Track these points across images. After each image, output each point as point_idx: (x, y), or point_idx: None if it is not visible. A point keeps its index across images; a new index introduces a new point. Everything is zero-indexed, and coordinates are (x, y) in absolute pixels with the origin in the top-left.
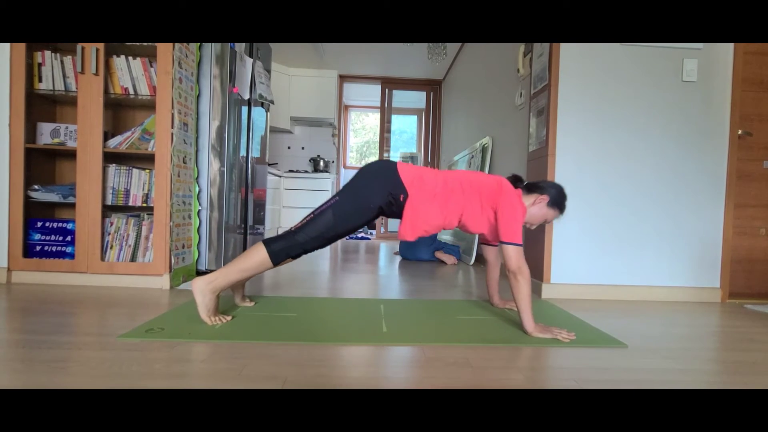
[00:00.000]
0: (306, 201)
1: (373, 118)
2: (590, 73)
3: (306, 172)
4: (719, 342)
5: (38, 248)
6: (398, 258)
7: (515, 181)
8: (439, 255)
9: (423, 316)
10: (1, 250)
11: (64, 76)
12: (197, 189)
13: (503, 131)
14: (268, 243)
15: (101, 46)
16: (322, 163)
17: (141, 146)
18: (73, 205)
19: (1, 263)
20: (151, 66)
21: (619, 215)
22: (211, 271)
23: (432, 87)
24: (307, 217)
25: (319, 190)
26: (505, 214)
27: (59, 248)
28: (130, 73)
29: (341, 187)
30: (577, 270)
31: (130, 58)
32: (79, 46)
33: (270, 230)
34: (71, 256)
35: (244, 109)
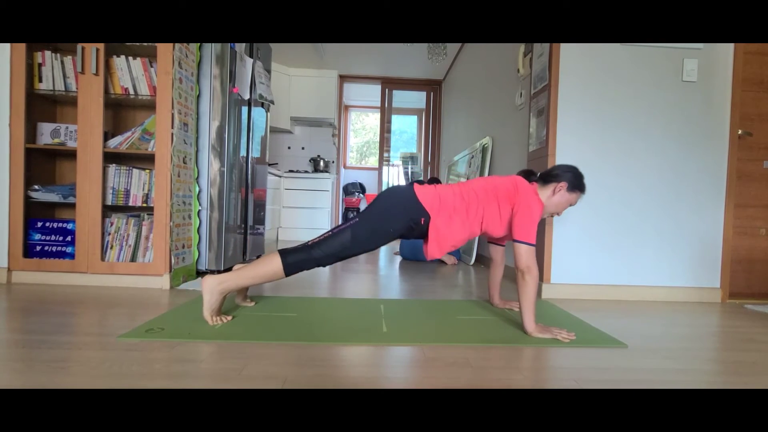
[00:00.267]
0: (306, 201)
1: (373, 118)
2: (590, 73)
3: (306, 172)
4: (719, 342)
5: (38, 248)
6: (398, 258)
7: (528, 175)
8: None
9: (423, 316)
10: (1, 250)
11: (65, 76)
12: (197, 189)
13: (503, 131)
14: (284, 254)
15: (101, 46)
16: (322, 163)
17: (141, 146)
18: (73, 205)
19: (1, 263)
20: (152, 66)
21: (619, 215)
22: (212, 271)
23: (432, 87)
24: (325, 233)
25: (320, 190)
26: (520, 213)
27: (59, 248)
28: (130, 73)
29: (362, 212)
30: (577, 270)
31: (130, 58)
32: (79, 46)
33: (270, 230)
34: (71, 256)
35: (245, 109)
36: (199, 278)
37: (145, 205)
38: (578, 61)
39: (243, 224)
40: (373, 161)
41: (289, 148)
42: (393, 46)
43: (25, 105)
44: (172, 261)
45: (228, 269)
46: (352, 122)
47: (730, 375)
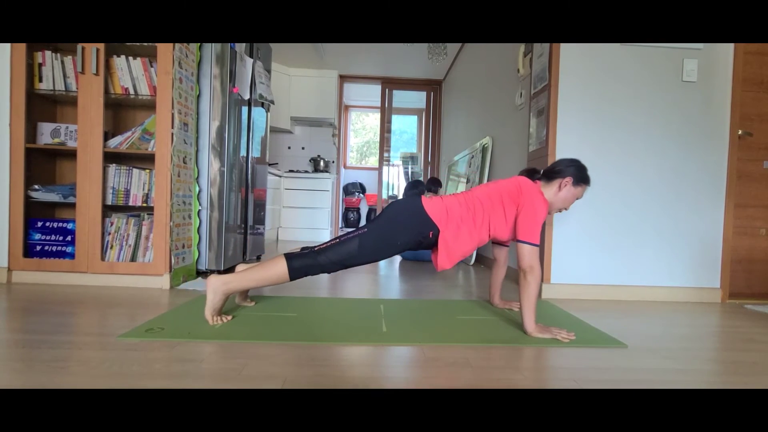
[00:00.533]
0: (306, 201)
1: (374, 118)
2: (590, 73)
3: (306, 172)
4: (719, 342)
5: (38, 248)
6: (398, 258)
7: (532, 173)
8: None
9: (423, 316)
10: (1, 250)
11: (65, 76)
12: (197, 189)
13: (503, 131)
14: (290, 258)
15: (101, 46)
16: (322, 163)
17: (141, 146)
18: (73, 205)
19: (1, 263)
20: (152, 66)
21: (619, 215)
22: (212, 270)
23: (432, 87)
24: (332, 240)
25: (320, 190)
26: (524, 213)
27: (59, 248)
28: (130, 73)
29: (371, 221)
30: (577, 270)
31: (131, 58)
32: (79, 46)
33: (270, 230)
34: (71, 255)
35: (245, 109)
36: (200, 278)
37: (145, 204)
38: (578, 61)
39: (243, 224)
40: (373, 161)
41: (289, 148)
42: (393, 46)
43: (26, 105)
44: (172, 261)
45: (229, 269)
46: (352, 122)
47: (730, 375)
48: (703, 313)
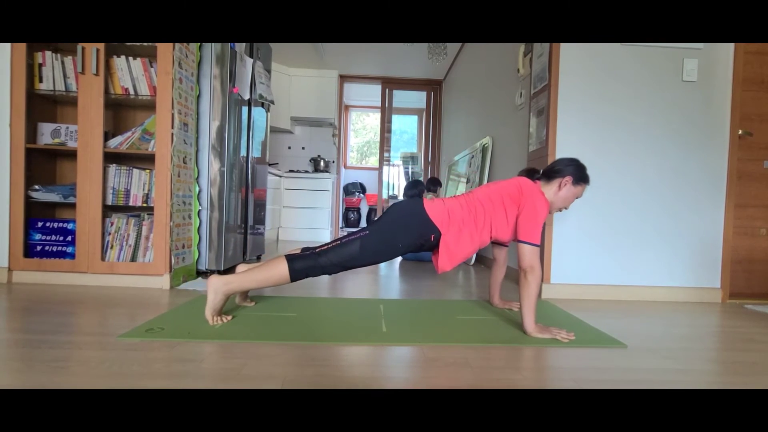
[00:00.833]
0: (306, 201)
1: (374, 118)
2: (590, 73)
3: (306, 172)
4: (719, 342)
5: (39, 248)
6: (399, 258)
7: (531, 173)
8: None
9: (423, 316)
10: (1, 250)
11: (65, 77)
12: (197, 189)
13: (503, 131)
14: (291, 260)
15: (101, 46)
16: (322, 163)
17: (141, 146)
18: (73, 205)
19: (1, 263)
20: (152, 66)
21: (619, 215)
22: (212, 270)
23: (432, 87)
24: (334, 241)
25: (320, 190)
26: (525, 214)
27: (60, 248)
28: (130, 73)
29: (371, 223)
30: (577, 270)
31: (131, 58)
32: (79, 46)
33: (270, 230)
34: (72, 256)
35: (245, 109)
36: (200, 278)
37: (145, 205)
38: (578, 61)
39: (243, 224)
40: (373, 161)
41: (289, 148)
42: (393, 46)
43: (26, 105)
44: (172, 261)
45: (229, 269)
46: (353, 122)
47: (730, 375)
48: (703, 313)
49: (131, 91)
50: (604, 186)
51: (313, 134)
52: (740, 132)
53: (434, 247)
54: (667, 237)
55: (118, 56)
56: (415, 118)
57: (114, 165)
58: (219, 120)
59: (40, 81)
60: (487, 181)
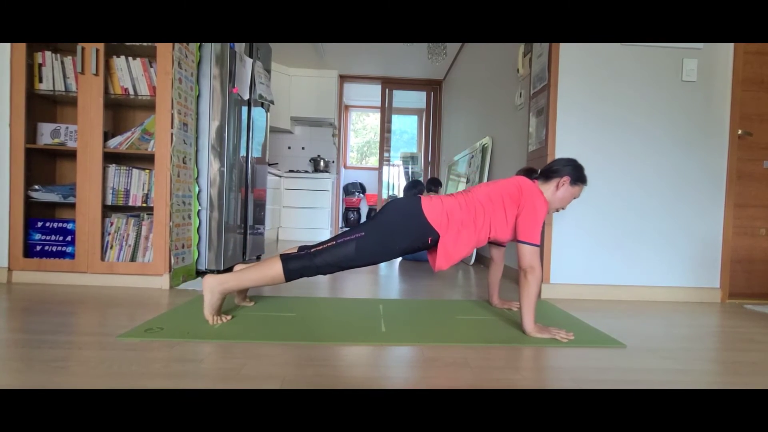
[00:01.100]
0: (306, 201)
1: (374, 118)
2: (590, 73)
3: (306, 172)
4: (719, 342)
5: (39, 248)
6: (398, 258)
7: (529, 173)
8: None
9: (422, 316)
10: (1, 250)
11: (65, 77)
12: (197, 189)
13: (503, 131)
14: (286, 260)
15: (101, 46)
16: (322, 163)
17: (141, 146)
18: (73, 205)
19: (1, 263)
20: (151, 66)
21: (618, 215)
22: (212, 270)
23: (432, 87)
24: (329, 241)
25: (320, 190)
26: (525, 214)
27: (59, 248)
28: (130, 73)
29: (371, 218)
30: (577, 270)
31: (130, 58)
32: (79, 46)
33: (270, 230)
34: (71, 256)
35: (244, 109)
36: (199, 278)
37: (144, 205)
38: (578, 61)
39: (243, 224)
40: (373, 161)
41: (289, 148)
42: (393, 46)
43: (26, 105)
44: (172, 261)
45: (228, 269)
46: (353, 122)
47: (729, 375)
48: (702, 313)
49: (131, 91)
50: (604, 186)
51: (313, 134)
52: (740, 132)
53: (431, 247)
54: (667, 237)
55: (118, 56)
56: (415, 118)
57: (114, 165)
58: (219, 120)
59: (40, 81)
60: (487, 181)
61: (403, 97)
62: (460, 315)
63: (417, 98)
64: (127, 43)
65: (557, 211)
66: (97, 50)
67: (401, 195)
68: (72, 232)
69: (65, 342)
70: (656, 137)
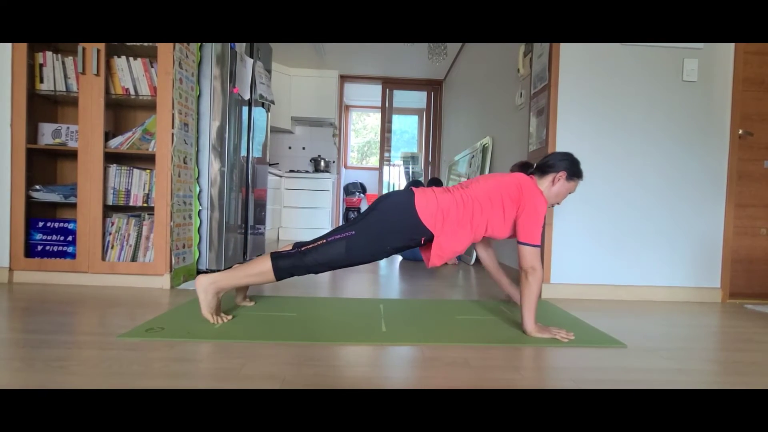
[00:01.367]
0: (307, 201)
1: (374, 118)
2: (590, 73)
3: (307, 172)
4: (719, 342)
5: (39, 248)
6: (398, 258)
7: (525, 167)
8: None
9: (422, 316)
10: (2, 250)
11: (66, 77)
12: (198, 189)
13: (504, 131)
14: (275, 258)
15: (102, 46)
16: (323, 163)
17: (142, 146)
18: (74, 205)
19: (2, 263)
20: (152, 66)
21: (619, 215)
22: (212, 270)
23: (433, 87)
24: (319, 240)
25: (320, 190)
26: (526, 215)
27: (60, 248)
28: (130, 73)
29: (362, 214)
30: (577, 270)
31: (131, 58)
32: (80, 46)
33: (270, 230)
34: (72, 255)
35: (245, 109)
36: None
37: (145, 205)
38: (578, 61)
39: (243, 224)
40: (373, 161)
41: (289, 148)
42: (393, 46)
43: (27, 105)
44: (173, 261)
45: (227, 269)
46: (353, 122)
47: (729, 375)
48: (703, 313)
49: (132, 92)
50: (605, 186)
51: (314, 134)
52: (740, 132)
53: (425, 245)
54: (668, 237)
55: (119, 56)
56: (415, 118)
57: (114, 165)
58: (219, 120)
59: (41, 81)
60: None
61: (403, 97)
62: (461, 315)
63: (417, 98)
64: (128, 44)
65: (552, 206)
66: (98, 50)
67: None
68: (73, 232)
69: (66, 342)
70: (657, 137)
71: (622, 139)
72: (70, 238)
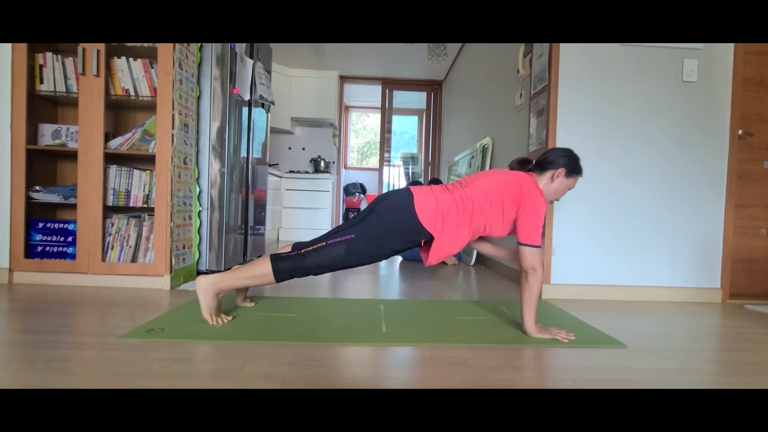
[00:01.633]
0: (307, 202)
1: (374, 119)
2: (590, 74)
3: (307, 172)
4: (719, 342)
5: (39, 249)
6: (399, 258)
7: (523, 164)
8: None
9: (423, 317)
10: (2, 251)
11: (66, 78)
12: (198, 190)
13: (503, 131)
14: (275, 259)
15: (102, 47)
16: (322, 163)
17: (142, 147)
18: (74, 206)
19: (2, 264)
20: (152, 67)
21: (619, 215)
22: (212, 271)
23: (432, 87)
24: (319, 242)
25: (320, 191)
26: (526, 216)
27: (60, 249)
28: (130, 74)
29: (361, 213)
30: (578, 270)
31: (131, 59)
32: (80, 47)
33: (270, 230)
34: (72, 256)
35: (245, 109)
36: None
37: (145, 205)
38: (578, 62)
39: (243, 225)
40: (373, 161)
41: (289, 148)
42: (393, 46)
43: (27, 106)
44: (173, 261)
45: (227, 270)
46: (353, 123)
47: (729, 375)
48: (703, 313)
49: (132, 92)
50: (605, 186)
51: (314, 135)
52: (740, 132)
53: (424, 245)
54: (668, 237)
55: (119, 57)
56: (415, 118)
57: (114, 166)
58: (219, 121)
59: (41, 82)
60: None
61: (403, 98)
62: (461, 315)
63: (417, 99)
64: (128, 45)
65: (551, 202)
66: (98, 51)
67: None
68: (73, 233)
69: (66, 342)
70: (657, 137)
71: (622, 140)
72: (70, 238)
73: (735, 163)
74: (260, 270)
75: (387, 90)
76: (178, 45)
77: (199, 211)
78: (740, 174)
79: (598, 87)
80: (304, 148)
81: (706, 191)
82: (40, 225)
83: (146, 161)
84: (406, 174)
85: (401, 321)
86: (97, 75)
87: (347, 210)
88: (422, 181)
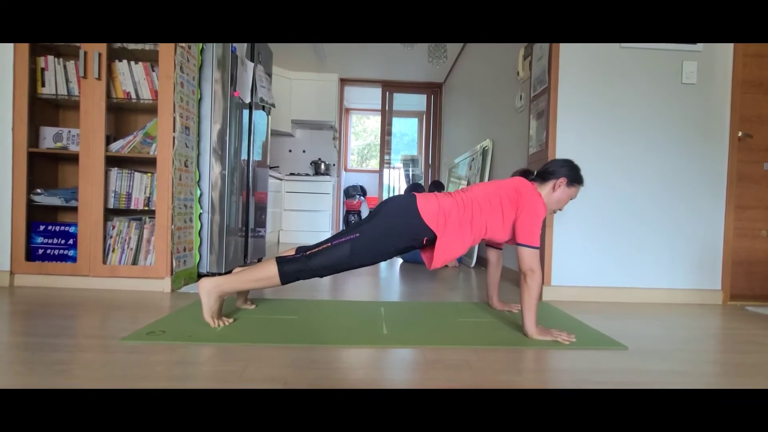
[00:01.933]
0: (307, 204)
1: (374, 121)
2: (590, 76)
3: (307, 175)
4: (720, 344)
5: (41, 251)
6: (399, 260)
7: (526, 174)
8: None
9: (423, 319)
10: (3, 254)
11: (67, 81)
12: (199, 192)
13: (504, 134)
14: (281, 262)
15: (104, 50)
16: (323, 166)
17: (143, 150)
18: (75, 209)
19: (3, 266)
20: (153, 70)
21: (619, 217)
22: (213, 273)
23: (433, 90)
24: (324, 243)
25: (320, 193)
26: (524, 217)
27: (61, 251)
28: (132, 77)
29: (368, 215)
30: (578, 272)
31: (132, 62)
32: (81, 50)
33: (271, 233)
34: (73, 259)
35: (246, 112)
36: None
37: (146, 208)
38: (578, 64)
39: (244, 227)
40: (374, 164)
41: (290, 151)
42: (393, 49)
43: (28, 109)
44: (174, 264)
45: (229, 272)
46: (353, 125)
47: (730, 377)
48: (703, 315)
49: (133, 95)
50: (605, 188)
51: (314, 137)
52: (740, 134)
53: (426, 246)
54: (668, 239)
55: (120, 60)
56: (415, 120)
57: (115, 168)
58: (220, 123)
59: (43, 85)
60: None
61: (403, 100)
62: (462, 317)
63: (417, 101)
64: (130, 48)
65: (554, 212)
66: (100, 54)
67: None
68: (74, 236)
69: (67, 345)
70: (657, 139)
71: (622, 142)
72: (71, 241)
73: (735, 165)
74: (266, 273)
75: (387, 92)
76: (179, 48)
77: (200, 214)
78: (740, 176)
79: (597, 89)
80: (304, 151)
81: (706, 193)
82: (41, 228)
83: (147, 164)
84: (406, 176)
85: (402, 323)
86: (99, 78)
87: (347, 212)
88: (422, 184)
